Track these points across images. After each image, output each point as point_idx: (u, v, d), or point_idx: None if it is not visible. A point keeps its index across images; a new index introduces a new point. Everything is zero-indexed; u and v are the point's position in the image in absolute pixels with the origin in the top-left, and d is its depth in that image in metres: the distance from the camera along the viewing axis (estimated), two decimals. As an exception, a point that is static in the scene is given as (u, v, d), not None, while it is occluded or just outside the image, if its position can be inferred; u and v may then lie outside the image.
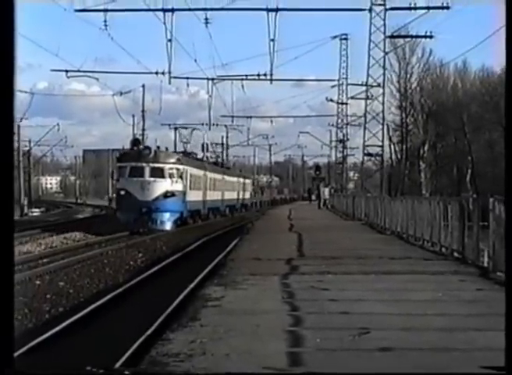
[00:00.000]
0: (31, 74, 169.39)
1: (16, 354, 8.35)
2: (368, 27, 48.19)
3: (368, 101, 51.78)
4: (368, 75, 50.63)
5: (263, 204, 77.52)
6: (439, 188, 57.80)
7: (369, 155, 52.70)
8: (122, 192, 35.05)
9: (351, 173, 75.09)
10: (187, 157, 42.70)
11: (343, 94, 60.29)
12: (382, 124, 51.78)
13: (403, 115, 62.12)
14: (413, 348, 6.48)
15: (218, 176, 51.23)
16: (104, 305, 13.58)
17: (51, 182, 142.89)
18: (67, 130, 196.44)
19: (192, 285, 14.17)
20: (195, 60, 45.02)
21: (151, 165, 35.12)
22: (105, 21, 38.06)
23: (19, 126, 56.44)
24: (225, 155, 72.30)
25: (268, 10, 38.08)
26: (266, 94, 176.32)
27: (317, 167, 72.43)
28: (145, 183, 34.70)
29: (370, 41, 49.00)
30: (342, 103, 60.94)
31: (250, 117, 67.79)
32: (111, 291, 15.33)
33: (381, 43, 49.11)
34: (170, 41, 39.34)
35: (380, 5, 46.69)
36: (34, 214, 61.12)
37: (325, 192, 54.28)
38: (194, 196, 40.15)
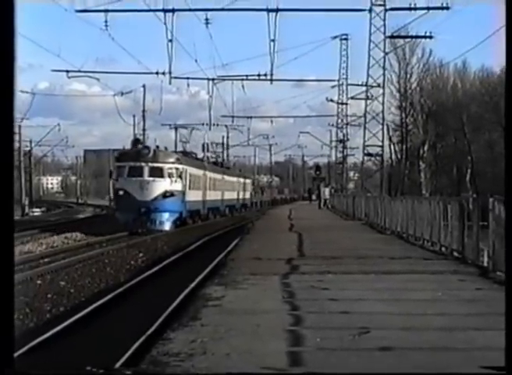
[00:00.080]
0: (32, 74, 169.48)
1: (16, 354, 8.38)
2: (368, 28, 48.27)
3: (368, 102, 51.86)
4: (368, 75, 50.71)
5: (263, 204, 77.59)
6: (438, 188, 57.81)
7: (369, 155, 52.73)
8: (121, 192, 34.85)
9: (351, 173, 75.11)
10: (187, 156, 42.56)
11: (343, 95, 60.39)
12: (382, 124, 51.84)
13: (403, 115, 62.14)
14: (413, 348, 6.49)
15: (218, 176, 51.13)
16: (105, 305, 13.61)
17: (52, 182, 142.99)
18: (68, 130, 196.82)
19: (193, 285, 14.19)
20: (195, 60, 44.98)
21: (150, 164, 34.91)
22: (106, 21, 38.09)
23: (20, 127, 56.53)
24: (225, 155, 72.37)
25: (269, 10, 38.11)
26: (266, 94, 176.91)
27: (317, 167, 72.46)
28: (144, 182, 34.50)
29: (370, 41, 49.08)
30: (342, 103, 60.99)
31: (251, 117, 67.86)
32: (112, 291, 15.36)
33: (381, 43, 49.18)
34: (171, 41, 39.37)
35: (380, 5, 46.73)
36: (35, 214, 61.21)
37: (326, 192, 54.30)
38: (194, 196, 39.93)
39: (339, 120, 62.40)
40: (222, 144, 71.07)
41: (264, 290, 10.25)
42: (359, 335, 6.92)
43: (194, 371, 5.71)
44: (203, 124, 58.67)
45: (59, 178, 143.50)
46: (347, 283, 11.01)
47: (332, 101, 60.64)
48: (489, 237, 12.30)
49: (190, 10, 38.53)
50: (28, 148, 70.91)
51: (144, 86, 54.49)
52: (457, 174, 60.13)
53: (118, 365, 8.48)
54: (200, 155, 53.09)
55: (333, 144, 69.20)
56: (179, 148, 48.49)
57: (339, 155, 63.85)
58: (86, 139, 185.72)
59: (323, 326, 7.52)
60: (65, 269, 19.31)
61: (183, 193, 36.60)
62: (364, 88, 51.89)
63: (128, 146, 41.21)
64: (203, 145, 58.47)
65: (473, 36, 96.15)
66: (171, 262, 21.33)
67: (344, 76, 59.64)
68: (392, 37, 50.08)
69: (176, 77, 43.89)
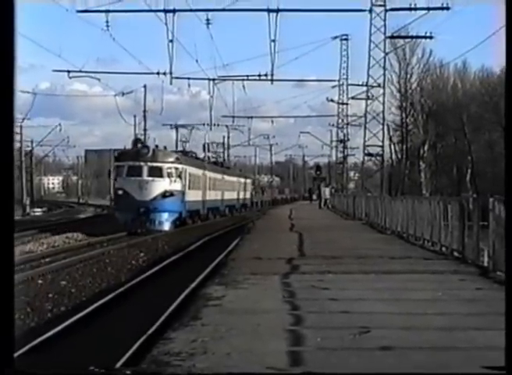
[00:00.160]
0: (34, 75, 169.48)
1: (16, 353, 8.40)
2: (369, 28, 48.26)
3: (369, 102, 51.88)
4: (369, 75, 50.71)
5: (264, 203, 77.62)
6: (439, 188, 57.84)
7: (369, 155, 52.74)
8: (120, 192, 34.65)
9: (352, 173, 75.13)
10: (186, 156, 42.38)
11: (344, 95, 60.41)
12: (383, 124, 51.86)
13: (404, 115, 62.20)
14: (413, 347, 6.50)
15: (218, 176, 51.01)
16: (106, 305, 13.64)
17: (53, 182, 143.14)
18: (69, 130, 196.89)
19: (193, 284, 14.20)
20: (196, 61, 44.95)
21: (149, 164, 34.68)
22: (107, 22, 38.04)
23: (21, 127, 56.56)
24: (226, 155, 72.39)
25: (269, 11, 38.10)
26: (267, 94, 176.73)
27: (317, 167, 72.56)
28: (143, 182, 34.29)
29: (370, 41, 49.08)
30: (342, 103, 61.00)
31: (251, 117, 67.88)
32: (113, 291, 15.39)
33: (381, 43, 49.19)
34: (171, 41, 39.33)
35: (380, 5, 46.74)
36: (36, 214, 61.26)
37: (326, 192, 54.32)
38: (193, 196, 39.74)
39: (340, 120, 62.46)
40: (223, 144, 71.12)
41: (264, 289, 10.26)
42: (359, 335, 6.93)
43: (195, 371, 5.71)
44: (204, 124, 58.77)
45: (60, 178, 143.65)
46: (348, 282, 11.02)
47: (332, 101, 60.72)
48: (489, 237, 12.31)
49: (190, 10, 38.54)
50: (29, 148, 71.10)
51: (144, 86, 54.55)
52: (457, 174, 60.16)
53: (119, 364, 8.50)
54: (201, 155, 53.11)
55: (334, 144, 69.29)
56: (180, 148, 48.49)
57: (340, 155, 63.91)
58: (87, 139, 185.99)
59: (323, 325, 7.54)
60: (66, 269, 19.34)
61: (183, 193, 36.41)
62: (364, 88, 51.97)
63: (129, 146, 41.17)
64: (204, 145, 58.53)
65: (473, 36, 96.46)
66: (172, 261, 21.36)
67: (344, 77, 59.75)
68: (392, 37, 50.10)
69: (176, 77, 43.89)
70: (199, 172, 42.66)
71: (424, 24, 47.17)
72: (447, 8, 40.89)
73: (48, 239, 29.49)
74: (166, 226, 34.66)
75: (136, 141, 40.33)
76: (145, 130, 55.26)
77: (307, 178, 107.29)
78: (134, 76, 47.68)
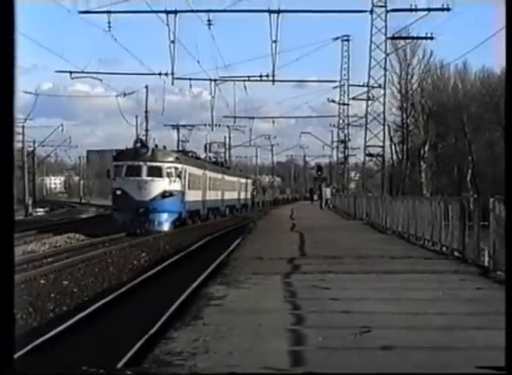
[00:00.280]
0: (36, 75, 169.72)
1: (18, 353, 8.43)
2: (369, 29, 48.16)
3: (369, 102, 51.82)
4: (369, 76, 50.62)
5: (265, 204, 77.67)
6: (439, 188, 57.87)
7: (370, 155, 52.72)
8: (119, 192, 34.15)
9: (352, 173, 75.07)
10: (186, 156, 42.08)
11: (345, 95, 60.32)
12: (383, 125, 51.81)
13: (404, 115, 62.24)
14: (414, 347, 6.52)
15: (218, 176, 50.83)
16: (108, 304, 13.67)
17: (55, 182, 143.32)
18: (71, 130, 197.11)
19: (195, 284, 14.22)
20: (198, 61, 45.10)
21: (149, 164, 34.30)
22: (109, 22, 37.97)
23: (23, 127, 56.64)
24: (227, 155, 72.38)
25: (270, 12, 38.08)
26: (268, 95, 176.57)
27: (318, 167, 72.62)
28: (142, 182, 33.90)
29: (371, 42, 49.00)
30: (343, 104, 60.96)
31: (253, 118, 67.75)
32: (115, 290, 15.42)
33: (382, 44, 49.11)
34: (173, 42, 39.28)
35: (381, 6, 46.68)
36: (39, 214, 61.30)
37: (327, 192, 54.36)
38: (193, 196, 39.40)
39: (341, 121, 62.42)
40: (224, 144, 71.13)
41: (266, 289, 10.29)
42: (360, 334, 6.96)
43: (197, 371, 5.73)
44: (205, 125, 58.73)
45: (62, 178, 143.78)
46: (348, 282, 11.05)
47: (333, 101, 60.66)
48: (490, 236, 12.34)
49: (192, 11, 38.52)
50: (31, 149, 71.09)
51: (146, 87, 54.43)
52: (458, 174, 60.18)
53: (121, 364, 8.53)
54: (203, 155, 53.02)
55: (335, 144, 69.21)
56: (181, 148, 48.39)
57: (341, 155, 63.84)
58: (89, 139, 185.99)
59: (324, 325, 7.56)
60: (68, 269, 19.37)
61: (183, 193, 36.06)
62: (365, 89, 51.90)
63: (131, 146, 41.08)
64: (205, 146, 58.51)
65: (473, 37, 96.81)
66: (173, 261, 21.39)
67: (345, 77, 59.66)
68: (393, 38, 50.05)
69: (178, 78, 43.78)
70: (199, 172, 42.36)
71: (425, 25, 47.20)
72: (448, 9, 40.85)
73: (50, 239, 29.50)
74: (166, 227, 34.34)
75: (138, 141, 40.20)
76: (147, 130, 55.18)
77: (308, 178, 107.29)
78: (136, 76, 47.49)
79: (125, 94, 50.56)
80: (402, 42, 54.93)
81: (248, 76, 46.70)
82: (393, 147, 61.10)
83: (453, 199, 17.65)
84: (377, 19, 47.26)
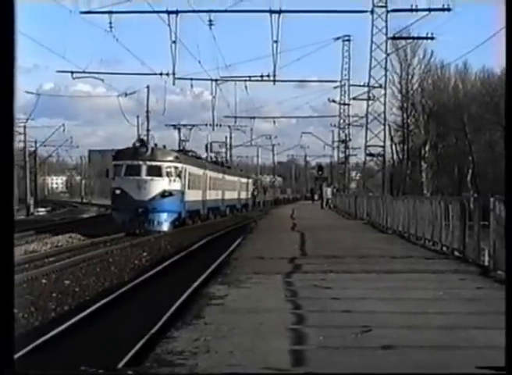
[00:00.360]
0: (38, 75, 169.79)
1: (19, 353, 8.44)
2: (370, 29, 48.20)
3: (370, 102, 51.86)
4: (370, 76, 50.66)
5: (266, 203, 77.70)
6: (440, 188, 57.89)
7: (371, 155, 52.74)
8: (118, 191, 33.87)
9: (353, 173, 75.15)
10: (186, 155, 41.84)
11: (345, 95, 60.34)
12: (384, 125, 51.84)
13: (405, 115, 62.28)
14: (414, 346, 6.54)
15: (219, 176, 50.68)
16: (109, 304, 13.68)
17: (56, 182, 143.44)
18: (73, 130, 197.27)
19: (196, 284, 14.22)
20: (199, 61, 44.89)
21: (148, 163, 34.02)
22: (110, 23, 37.93)
23: (25, 127, 56.67)
24: (228, 155, 72.33)
25: (271, 12, 38.07)
26: (269, 94, 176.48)
27: (319, 167, 72.59)
28: (141, 182, 33.61)
29: (372, 42, 49.03)
30: (344, 104, 60.97)
31: (254, 118, 67.76)
32: (116, 290, 15.44)
33: (383, 44, 49.16)
34: (174, 42, 39.24)
35: (382, 6, 46.69)
36: (40, 213, 61.34)
37: (328, 192, 54.41)
38: (193, 196, 39.13)
39: (341, 121, 62.45)
40: (225, 144, 71.14)
41: (267, 289, 10.30)
42: (361, 334, 6.97)
43: (197, 371, 5.74)
44: (206, 125, 58.66)
45: (64, 178, 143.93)
46: (349, 282, 11.06)
47: (334, 101, 60.69)
48: (490, 236, 12.35)
49: (193, 11, 38.53)
50: (33, 149, 71.10)
51: (147, 87, 54.36)
52: (458, 174, 60.21)
53: (122, 363, 8.55)
54: (204, 155, 52.93)
55: (335, 144, 69.15)
56: (181, 147, 48.28)
57: (342, 155, 63.86)
58: (90, 139, 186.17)
59: (325, 324, 7.57)
60: (69, 268, 19.38)
61: (182, 192, 35.79)
62: (365, 89, 51.93)
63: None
64: (206, 145, 58.45)
65: (474, 37, 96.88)
66: (174, 261, 21.39)
67: (346, 77, 59.71)
68: (393, 38, 50.07)
69: (179, 78, 43.74)
70: (199, 171, 42.10)
71: (426, 25, 47.21)
72: (448, 9, 40.84)
73: (51, 238, 29.49)
74: (165, 227, 34.07)
75: (139, 141, 40.08)
76: (148, 130, 55.14)
77: (309, 178, 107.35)
78: (137, 76, 47.48)
79: (126, 94, 50.54)
80: (402, 42, 55.01)
81: (249, 76, 46.70)
82: (394, 147, 61.21)
83: (453, 199, 17.66)
84: (378, 19, 47.33)
